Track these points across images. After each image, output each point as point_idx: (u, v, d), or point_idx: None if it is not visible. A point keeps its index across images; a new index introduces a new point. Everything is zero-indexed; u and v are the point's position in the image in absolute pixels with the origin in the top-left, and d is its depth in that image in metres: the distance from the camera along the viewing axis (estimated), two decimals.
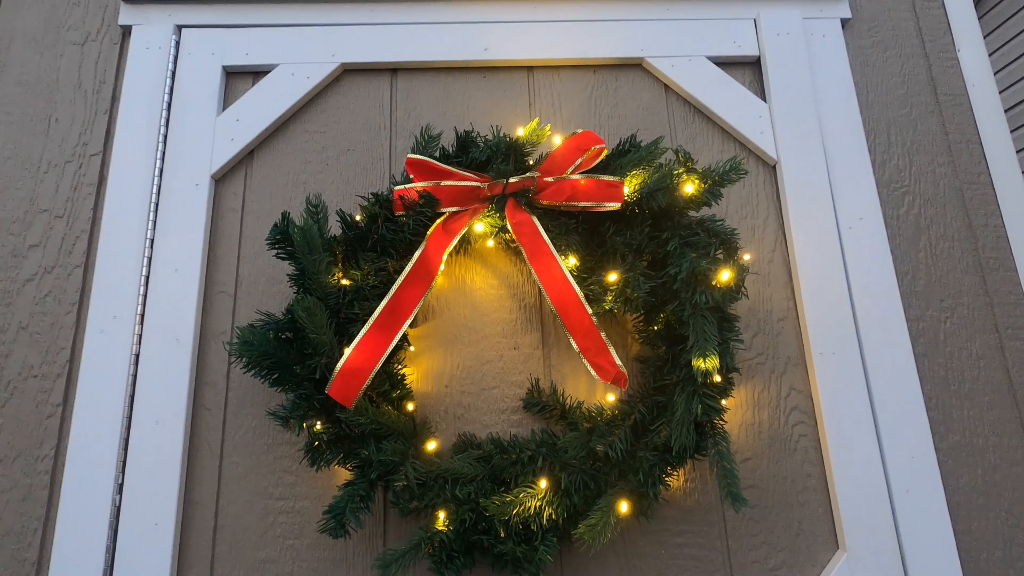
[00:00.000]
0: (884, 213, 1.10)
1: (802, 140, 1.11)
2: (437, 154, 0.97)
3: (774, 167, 1.12)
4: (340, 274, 0.90)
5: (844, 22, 1.21)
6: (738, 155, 0.91)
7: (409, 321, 0.86)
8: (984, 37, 1.19)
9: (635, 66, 1.18)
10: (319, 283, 0.87)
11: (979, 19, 1.23)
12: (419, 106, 1.14)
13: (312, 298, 0.82)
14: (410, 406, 0.92)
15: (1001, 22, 1.81)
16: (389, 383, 0.90)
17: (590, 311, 0.86)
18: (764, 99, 1.15)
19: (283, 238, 0.88)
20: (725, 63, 1.17)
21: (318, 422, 0.85)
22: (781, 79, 1.14)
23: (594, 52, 1.16)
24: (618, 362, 0.85)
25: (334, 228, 0.94)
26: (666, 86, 1.17)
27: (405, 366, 0.95)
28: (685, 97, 1.16)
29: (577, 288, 0.87)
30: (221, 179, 1.09)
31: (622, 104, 1.16)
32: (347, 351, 0.82)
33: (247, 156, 1.11)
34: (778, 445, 1.00)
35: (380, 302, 0.86)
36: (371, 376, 0.80)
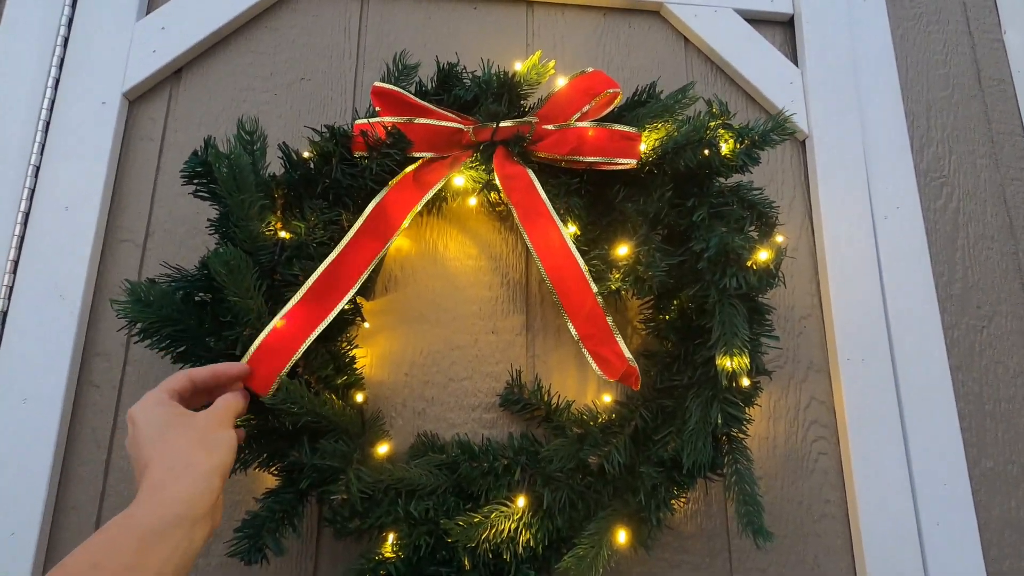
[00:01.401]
0: (921, 205, 0.96)
1: (838, 114, 0.96)
2: (412, 89, 0.78)
3: (803, 142, 0.97)
4: (278, 224, 0.71)
5: None
6: (784, 111, 0.75)
7: (355, 290, 0.66)
8: None
9: (652, 13, 1.01)
10: (248, 232, 0.66)
11: None
12: (393, 33, 0.94)
13: (236, 250, 0.62)
14: (359, 397, 0.73)
15: None
16: (334, 366, 0.70)
17: (595, 290, 0.69)
18: (796, 64, 1.00)
19: (205, 170, 0.67)
20: (755, 19, 1.01)
21: None
22: (817, 43, 0.99)
23: None
24: (627, 355, 0.68)
25: (275, 166, 0.74)
26: (686, 39, 1.00)
27: (356, 346, 0.76)
28: (707, 53, 0.99)
29: (581, 260, 0.69)
30: (136, 100, 0.87)
31: (634, 54, 0.99)
32: (273, 322, 0.62)
33: (173, 75, 0.89)
34: (794, 464, 0.85)
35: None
36: (296, 357, 0.59)
